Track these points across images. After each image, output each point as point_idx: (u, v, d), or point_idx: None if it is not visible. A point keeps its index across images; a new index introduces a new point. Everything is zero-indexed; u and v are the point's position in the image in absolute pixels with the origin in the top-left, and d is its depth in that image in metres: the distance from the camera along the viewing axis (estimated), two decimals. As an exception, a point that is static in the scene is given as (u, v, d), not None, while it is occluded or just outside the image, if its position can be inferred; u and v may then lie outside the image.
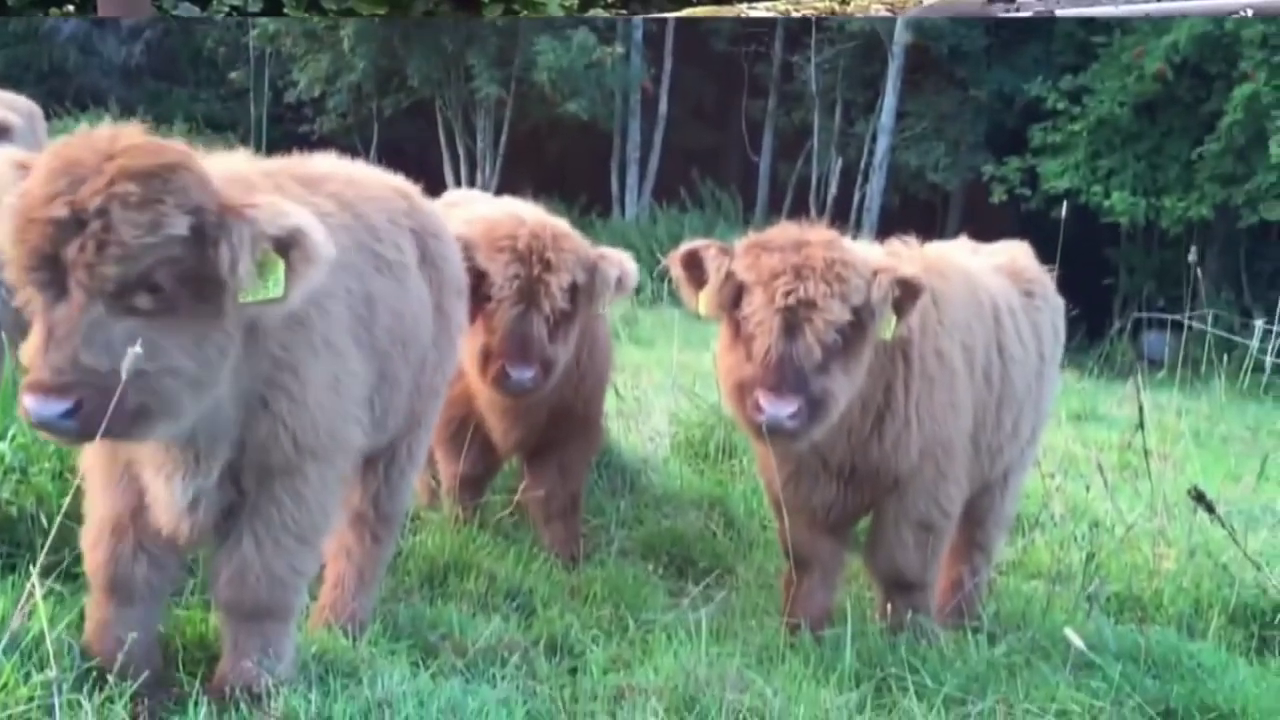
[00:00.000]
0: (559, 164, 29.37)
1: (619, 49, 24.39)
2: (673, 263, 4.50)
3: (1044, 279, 5.40)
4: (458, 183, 26.06)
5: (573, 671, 4.11)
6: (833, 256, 4.30)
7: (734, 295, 4.34)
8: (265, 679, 3.29)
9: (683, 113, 27.19)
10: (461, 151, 26.39)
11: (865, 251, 4.55)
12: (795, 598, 4.87)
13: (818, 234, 4.42)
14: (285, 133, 25.67)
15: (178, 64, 29.38)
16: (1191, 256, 13.54)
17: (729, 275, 4.34)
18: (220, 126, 23.77)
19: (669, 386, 8.67)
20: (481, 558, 4.90)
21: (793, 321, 4.21)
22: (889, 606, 4.81)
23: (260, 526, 3.33)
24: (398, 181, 4.29)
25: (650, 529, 5.83)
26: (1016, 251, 5.44)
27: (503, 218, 5.10)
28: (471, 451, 5.39)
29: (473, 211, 5.90)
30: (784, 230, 4.46)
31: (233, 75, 27.99)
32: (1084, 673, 4.61)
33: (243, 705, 3.26)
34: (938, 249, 5.12)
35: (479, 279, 4.80)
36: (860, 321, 4.31)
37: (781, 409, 4.16)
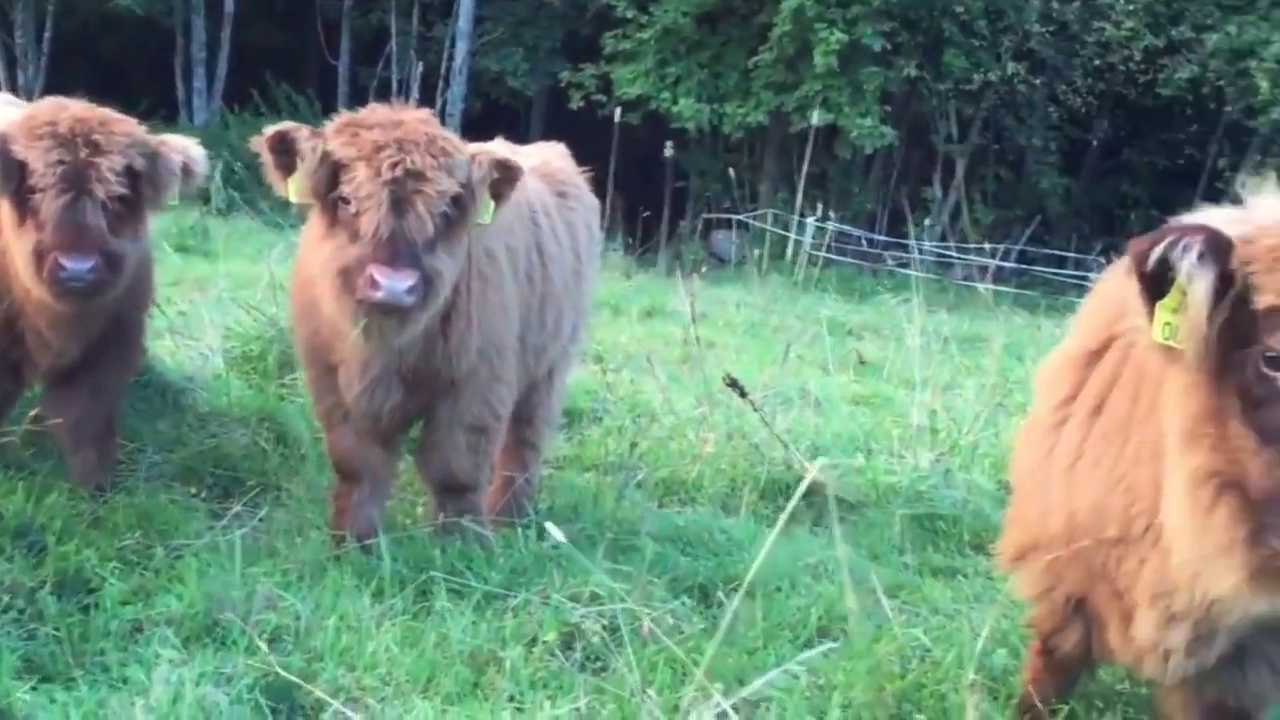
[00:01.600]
0: (116, 64, 27.02)
1: (173, -61, 22.61)
2: (261, 146, 4.17)
3: (578, 180, 5.49)
4: (-8, 83, 23.43)
5: (86, 608, 3.81)
6: (433, 131, 4.17)
7: (330, 176, 4.10)
8: None
9: (252, 11, 25.71)
10: (-2, 48, 23.72)
11: None
12: (344, 510, 4.75)
13: (413, 112, 4.26)
14: None
15: None
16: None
17: (324, 155, 4.09)
18: None
19: (226, 300, 8.24)
20: (-17, 495, 4.43)
21: (401, 195, 4.03)
22: (440, 510, 4.83)
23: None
24: None
25: (192, 450, 5.50)
26: (550, 153, 5.49)
27: (43, 104, 4.54)
28: None
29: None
30: (376, 110, 4.25)
31: None
32: (624, 556, 4.85)
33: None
34: (475, 149, 5.08)
35: (21, 171, 4.24)
36: (462, 202, 4.19)
37: (400, 282, 3.96)
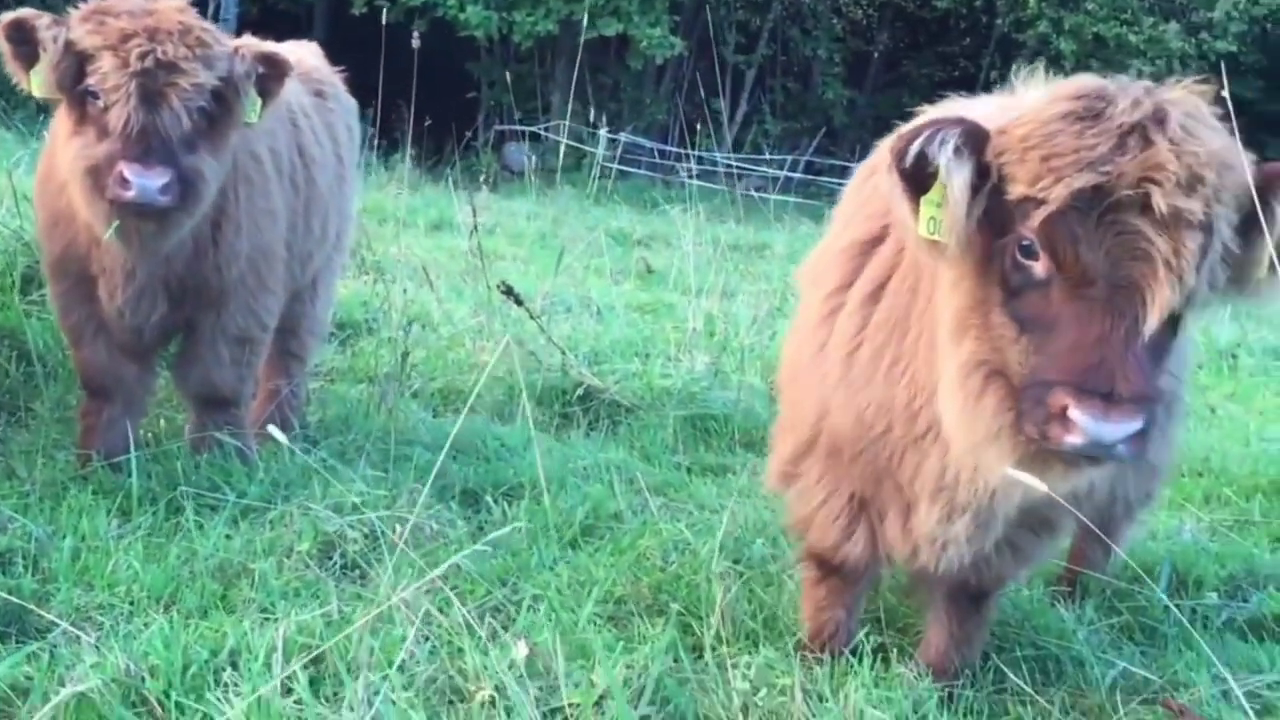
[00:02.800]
0: None
1: None
2: None
3: (334, 80, 5.28)
4: None
5: None
6: (189, 21, 3.89)
7: (76, 68, 3.78)
8: None
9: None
10: None
11: None
12: (93, 429, 4.50)
13: (167, 1, 3.95)
14: None
15: None
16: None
17: (68, 45, 3.77)
18: None
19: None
20: None
21: (153, 87, 3.76)
22: (199, 424, 4.64)
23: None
24: None
25: (-80, 372, 5.12)
26: (304, 52, 5.25)
27: None
28: None
29: None
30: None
31: None
32: (394, 466, 4.77)
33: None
34: (237, 42, 4.80)
35: None
36: (225, 97, 3.93)
37: (152, 180, 3.71)
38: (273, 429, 3.03)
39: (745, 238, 14.38)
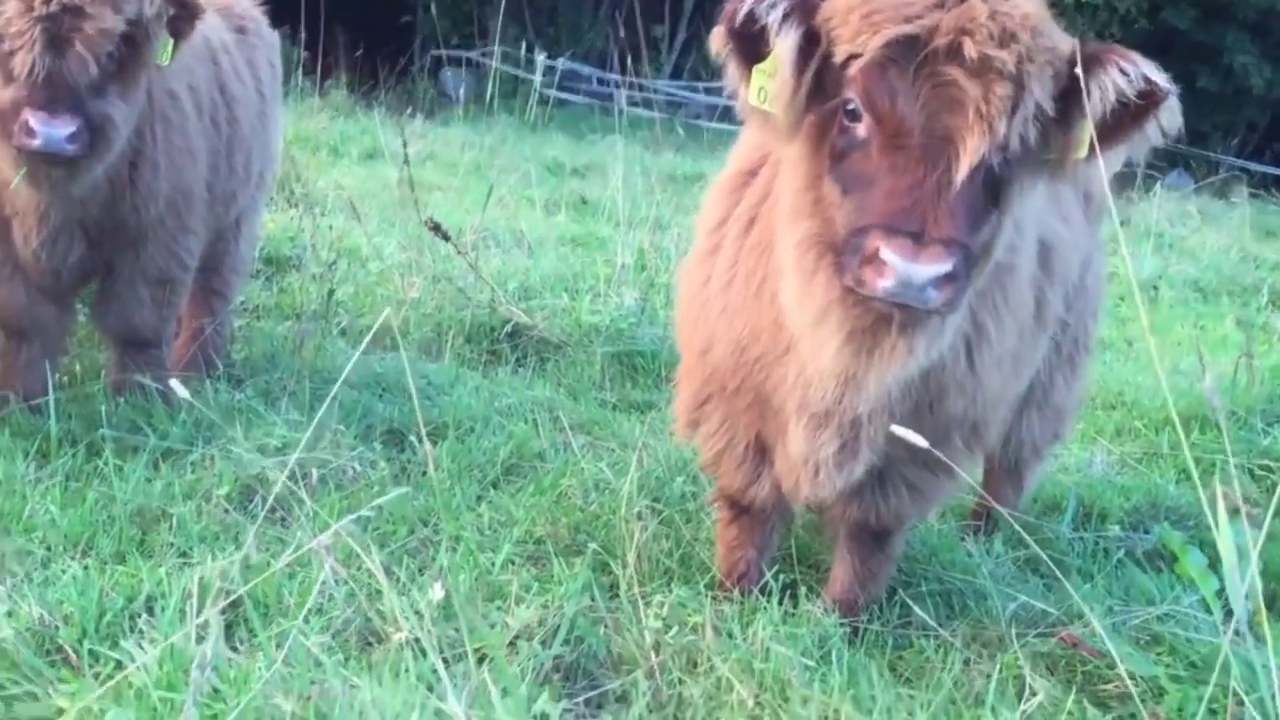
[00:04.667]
0: None
1: None
2: None
3: (256, 14, 5.18)
4: None
5: None
6: None
7: None
8: None
9: None
10: None
11: None
12: (11, 369, 4.45)
13: None
14: None
15: None
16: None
17: None
18: None
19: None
20: None
21: (58, 33, 3.69)
22: (120, 366, 4.61)
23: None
24: None
25: None
26: (229, -13, 5.15)
27: None
28: None
29: None
30: None
31: None
32: (318, 405, 4.76)
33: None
34: None
35: None
36: (134, 40, 3.86)
37: (58, 129, 3.66)
38: (174, 382, 3.02)
39: (682, 168, 14.35)
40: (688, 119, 20.01)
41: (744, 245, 3.06)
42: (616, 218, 9.76)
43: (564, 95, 20.82)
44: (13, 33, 3.69)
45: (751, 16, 2.51)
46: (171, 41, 3.99)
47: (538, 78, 20.17)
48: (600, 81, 22.48)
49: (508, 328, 6.13)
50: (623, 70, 23.32)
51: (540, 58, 20.31)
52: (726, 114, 20.59)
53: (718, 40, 2.58)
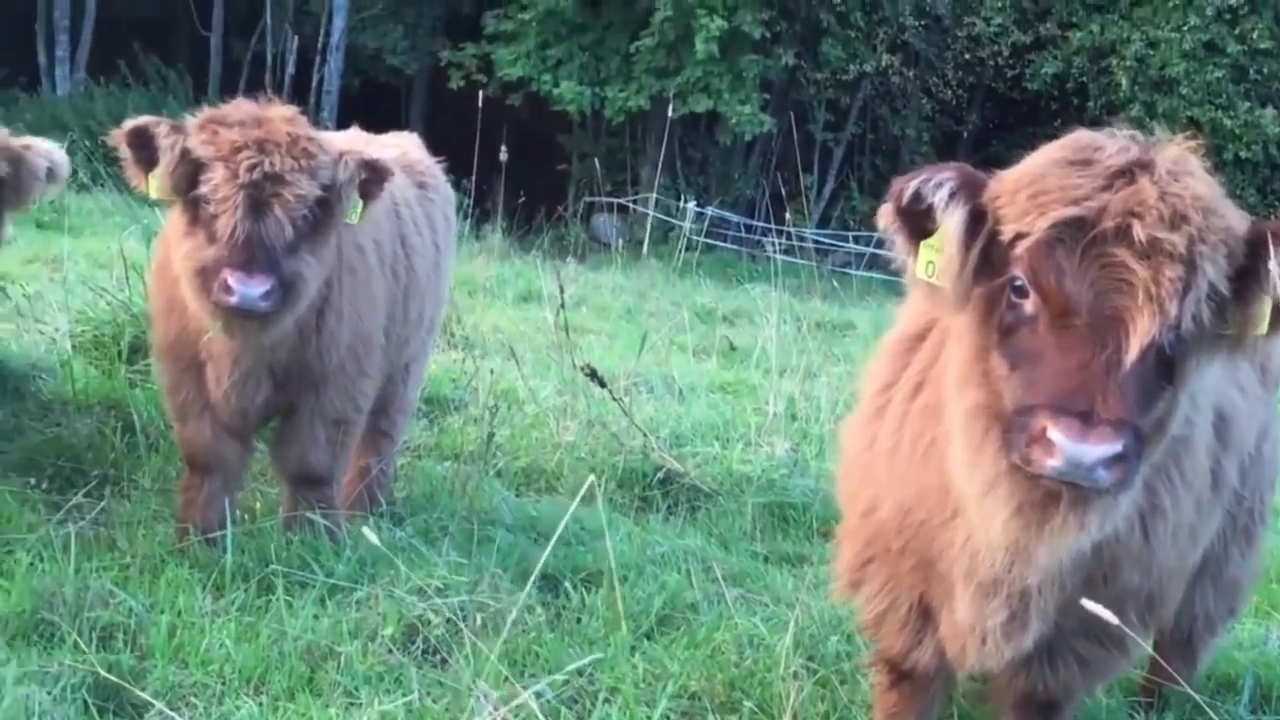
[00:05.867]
0: (-29, 29, 25.95)
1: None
2: (119, 141, 4.08)
3: (435, 170, 5.48)
4: None
5: (-96, 609, 3.71)
6: (297, 132, 4.11)
7: (190, 175, 4.02)
8: None
9: (119, -22, 24.92)
10: None
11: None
12: (193, 503, 4.68)
13: (278, 110, 4.19)
14: None
15: None
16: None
17: (184, 153, 4.01)
18: None
19: (79, 282, 8.02)
20: None
21: (259, 198, 3.98)
22: (293, 502, 4.80)
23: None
24: None
25: (33, 439, 5.36)
26: (407, 144, 5.47)
27: None
28: None
29: None
30: (240, 106, 4.17)
31: None
32: (476, 547, 4.87)
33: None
34: (342, 148, 5.02)
35: None
36: (328, 203, 4.14)
37: (253, 288, 3.92)
38: (368, 532, 3.14)
39: (829, 315, 14.39)
40: (835, 266, 20.14)
41: (911, 408, 3.08)
42: (766, 365, 9.86)
43: (713, 241, 21.20)
44: (219, 198, 3.98)
45: (918, 195, 2.57)
46: (361, 203, 4.25)
47: (688, 224, 20.68)
48: (748, 228, 22.85)
49: (660, 474, 6.19)
50: (771, 217, 23.76)
51: (690, 205, 20.86)
52: (874, 262, 20.68)
53: (885, 216, 2.64)
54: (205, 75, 25.46)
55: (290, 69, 24.14)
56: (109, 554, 4.30)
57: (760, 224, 23.06)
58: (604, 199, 23.62)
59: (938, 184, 2.55)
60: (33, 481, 5.00)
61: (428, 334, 5.56)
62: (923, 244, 2.62)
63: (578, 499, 3.70)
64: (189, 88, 24.19)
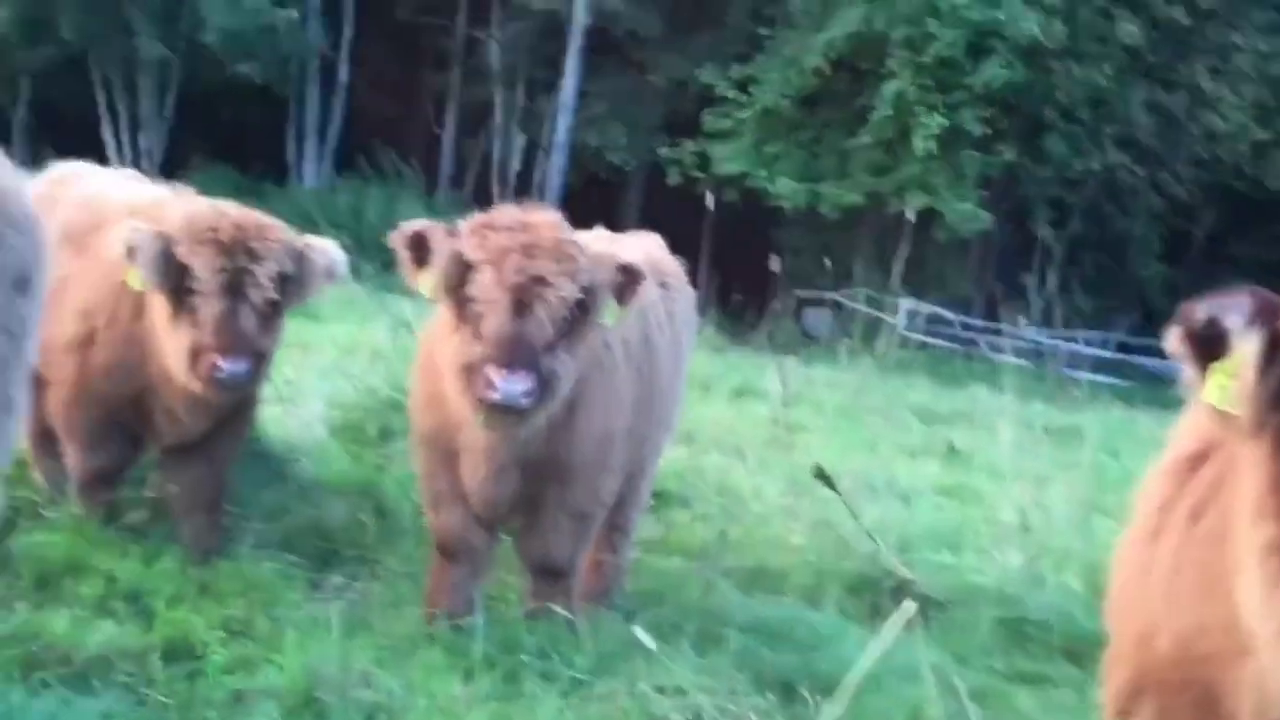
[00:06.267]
0: (232, 130, 28.08)
1: (293, 12, 23.52)
2: (396, 243, 4.38)
3: (678, 270, 5.62)
4: (118, 146, 24.49)
5: (191, 675, 3.96)
6: (560, 236, 4.33)
7: (460, 275, 4.26)
8: None
9: (364, 82, 26.62)
10: (123, 113, 24.76)
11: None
12: (440, 588, 4.85)
13: (542, 215, 4.43)
14: (-87, 83, 23.35)
15: None
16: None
17: (456, 255, 4.27)
18: None
19: (332, 368, 8.50)
20: (101, 558, 4.64)
21: (524, 299, 4.18)
22: (534, 593, 4.92)
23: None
24: None
25: (295, 519, 5.67)
26: (651, 244, 5.62)
27: (203, 209, 4.86)
28: (111, 445, 5.17)
29: (85, 187, 5.57)
30: (507, 211, 4.44)
31: None
32: (710, 646, 4.88)
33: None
34: (600, 251, 5.20)
35: (181, 273, 4.59)
36: (586, 305, 4.33)
37: (516, 385, 4.11)
38: (639, 631, 3.21)
39: (1054, 419, 13.88)
40: (1059, 368, 19.49)
41: (1192, 533, 2.94)
42: (991, 469, 9.59)
43: (927, 339, 20.88)
44: (486, 298, 4.20)
45: (1212, 320, 2.49)
46: (617, 305, 4.40)
47: (901, 320, 20.47)
48: (965, 326, 22.42)
49: (891, 582, 6.08)
50: (988, 316, 23.28)
51: (904, 301, 20.66)
52: (1098, 365, 19.93)
53: (1174, 340, 2.57)
54: (436, 170, 26.83)
55: (515, 166, 25.22)
56: (366, 634, 4.49)
57: (978, 321, 22.61)
58: (815, 293, 23.64)
59: (1233, 309, 2.46)
60: (293, 559, 5.29)
61: (665, 432, 5.66)
62: (1214, 368, 2.53)
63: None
64: (421, 182, 25.53)
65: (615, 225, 6.16)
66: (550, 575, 4.91)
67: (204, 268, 4.61)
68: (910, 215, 19.82)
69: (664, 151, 24.59)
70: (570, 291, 4.24)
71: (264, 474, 6.20)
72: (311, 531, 5.58)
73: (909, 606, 2.98)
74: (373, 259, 13.29)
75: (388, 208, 22.98)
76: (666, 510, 7.24)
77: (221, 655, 4.07)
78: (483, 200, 24.49)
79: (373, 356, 8.09)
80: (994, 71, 21.48)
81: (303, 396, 7.71)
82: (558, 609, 4.77)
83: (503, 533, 5.24)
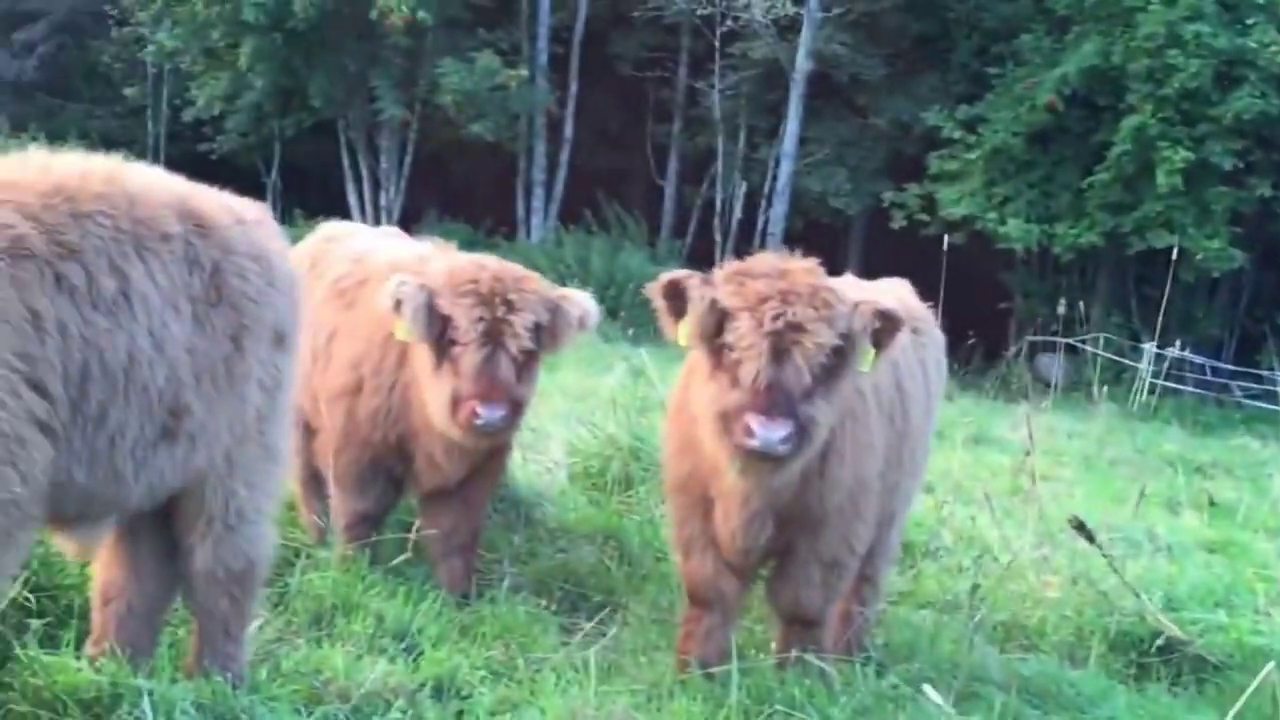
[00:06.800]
0: (464, 185, 29.33)
1: (523, 71, 24.40)
2: (653, 293, 4.43)
3: (928, 315, 5.49)
4: (360, 204, 25.89)
5: (460, 714, 4.06)
6: (817, 283, 4.32)
7: (716, 323, 4.28)
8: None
9: (588, 136, 27.33)
10: (365, 172, 26.17)
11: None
12: (692, 635, 4.83)
13: (799, 262, 4.44)
14: (184, 151, 25.31)
15: (72, 80, 28.78)
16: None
17: (712, 303, 4.29)
18: (116, 144, 23.31)
19: (568, 415, 8.67)
20: (370, 598, 4.83)
21: (781, 346, 4.17)
22: (785, 642, 4.86)
23: None
24: (208, 201, 3.67)
25: (544, 563, 5.79)
26: (901, 290, 5.51)
27: (464, 262, 5.10)
28: (375, 489, 5.41)
29: (353, 244, 5.86)
30: (763, 259, 4.47)
31: (128, 92, 27.46)
32: (968, 703, 4.70)
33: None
34: (857, 297, 5.13)
35: (443, 324, 4.82)
36: (843, 351, 4.30)
37: (774, 432, 4.10)
38: (929, 690, 3.11)
39: (1324, 471, 12.93)
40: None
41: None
42: (1259, 523, 8.98)
43: (1173, 385, 19.76)
44: (744, 345, 4.18)
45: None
46: (874, 351, 4.32)
47: (1146, 366, 19.43)
48: (1214, 371, 21.13)
49: (1158, 641, 5.73)
50: (1240, 360, 21.88)
51: (1149, 345, 19.61)
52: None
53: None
54: (659, 220, 27.21)
55: (737, 213, 25.34)
56: (620, 680, 4.51)
57: (1230, 366, 21.29)
58: (1049, 338, 22.72)
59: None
60: (544, 603, 5.38)
61: (915, 480, 5.52)
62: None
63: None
64: (644, 232, 25.93)
65: (837, 271, 6.09)
66: (801, 624, 4.84)
67: (464, 318, 4.80)
68: (1154, 253, 18.83)
69: (888, 195, 24.20)
70: (828, 338, 4.19)
71: (513, 519, 6.36)
72: (560, 576, 5.67)
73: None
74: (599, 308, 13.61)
75: (611, 259, 23.45)
76: (912, 561, 7.06)
77: (487, 696, 4.16)
78: (705, 249, 24.69)
79: (608, 403, 8.19)
80: (1244, 101, 20.28)
81: (542, 443, 7.88)
82: (811, 659, 4.69)
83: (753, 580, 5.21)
